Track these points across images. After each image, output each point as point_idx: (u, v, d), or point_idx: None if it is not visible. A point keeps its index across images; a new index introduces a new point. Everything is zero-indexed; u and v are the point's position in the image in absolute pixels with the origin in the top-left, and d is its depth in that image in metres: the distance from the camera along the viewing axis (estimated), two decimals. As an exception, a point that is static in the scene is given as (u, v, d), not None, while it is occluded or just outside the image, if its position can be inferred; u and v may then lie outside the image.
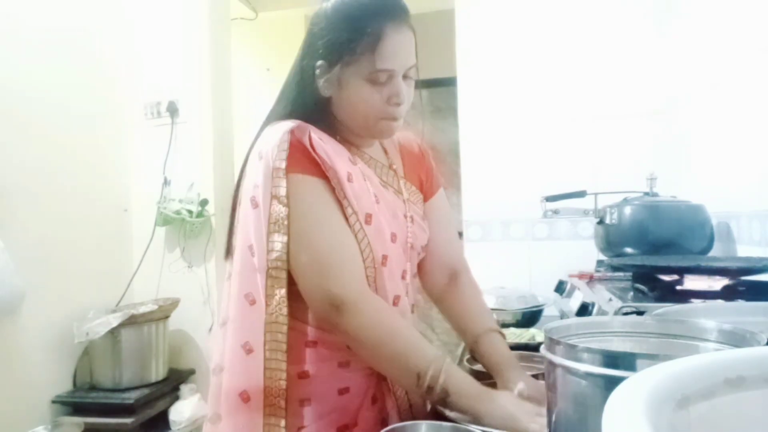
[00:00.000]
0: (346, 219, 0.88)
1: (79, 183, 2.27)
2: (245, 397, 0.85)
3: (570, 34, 2.22)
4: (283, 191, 0.85)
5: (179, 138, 2.50)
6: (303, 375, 0.90)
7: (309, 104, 0.94)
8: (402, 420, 0.94)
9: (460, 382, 0.83)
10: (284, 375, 0.84)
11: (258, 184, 0.87)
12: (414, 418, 0.95)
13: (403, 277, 0.98)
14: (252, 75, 3.47)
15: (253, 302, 0.86)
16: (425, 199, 1.10)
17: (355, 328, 0.84)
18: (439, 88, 3.70)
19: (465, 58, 2.32)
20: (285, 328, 0.85)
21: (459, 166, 2.33)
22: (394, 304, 0.94)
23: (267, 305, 0.85)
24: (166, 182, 2.49)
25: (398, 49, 0.88)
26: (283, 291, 0.85)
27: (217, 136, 2.53)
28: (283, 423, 0.83)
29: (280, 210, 0.85)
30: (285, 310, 0.85)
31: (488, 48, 2.29)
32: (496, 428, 0.79)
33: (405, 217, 1.00)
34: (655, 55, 2.14)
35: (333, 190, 0.88)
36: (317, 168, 0.88)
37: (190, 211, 2.43)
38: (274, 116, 0.96)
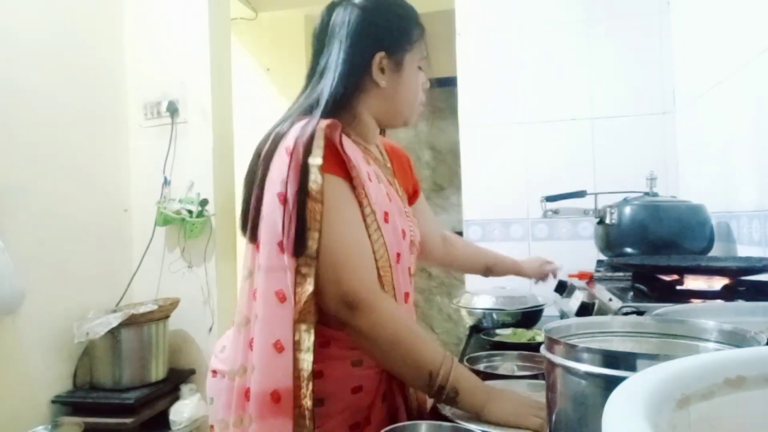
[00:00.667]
0: (364, 219, 0.91)
1: (79, 183, 2.28)
2: (276, 398, 0.84)
3: (570, 33, 2.22)
4: (318, 188, 0.85)
5: (179, 138, 2.50)
6: (317, 374, 0.88)
7: (343, 99, 0.94)
8: (411, 417, 0.95)
9: (468, 380, 0.86)
10: (311, 375, 0.84)
11: (286, 180, 0.86)
12: (422, 415, 0.97)
13: (410, 273, 1.02)
14: (252, 75, 3.47)
15: (283, 299, 0.85)
16: (411, 201, 1.17)
17: (369, 326, 0.85)
18: (439, 88, 3.69)
19: (465, 58, 2.32)
20: (313, 328, 0.85)
21: (459, 166, 2.33)
22: (405, 300, 0.97)
23: (296, 303, 0.85)
24: (166, 182, 2.49)
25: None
26: (312, 288, 0.85)
27: (217, 136, 2.53)
28: (310, 425, 0.83)
29: (314, 207, 0.85)
30: (314, 308, 0.85)
31: (488, 48, 2.29)
32: (501, 424, 0.80)
33: (406, 214, 1.04)
34: (655, 56, 2.14)
35: (354, 190, 0.90)
36: (343, 168, 0.90)
37: (190, 211, 2.43)
38: (294, 114, 0.95)
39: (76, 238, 2.23)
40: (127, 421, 2.03)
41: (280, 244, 0.86)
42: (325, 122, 0.89)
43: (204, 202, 2.45)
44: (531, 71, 2.25)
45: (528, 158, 2.23)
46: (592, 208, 1.72)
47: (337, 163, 0.89)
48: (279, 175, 0.87)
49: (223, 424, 0.91)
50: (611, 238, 1.63)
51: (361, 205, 0.90)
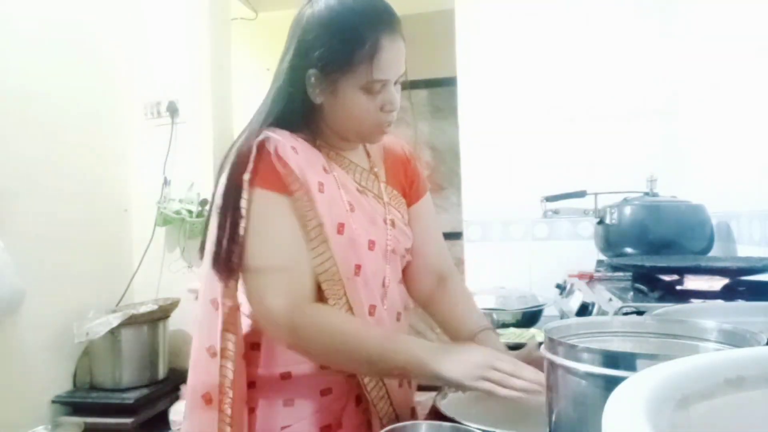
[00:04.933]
0: (308, 232, 0.89)
1: (79, 183, 2.27)
2: (207, 399, 0.88)
3: (570, 33, 2.22)
4: (244, 203, 0.86)
5: (179, 138, 2.50)
6: (285, 376, 0.92)
7: (295, 110, 0.93)
8: (383, 424, 0.92)
9: (412, 351, 0.83)
10: (231, 383, 0.87)
11: (220, 194, 0.89)
12: (398, 417, 0.95)
13: (383, 285, 0.97)
14: (252, 75, 3.46)
15: (217, 308, 0.89)
16: (410, 204, 1.08)
17: (297, 342, 0.86)
18: (439, 88, 3.70)
19: (465, 58, 2.32)
20: (234, 337, 0.89)
21: (459, 166, 2.33)
22: (370, 314, 0.93)
23: (222, 313, 0.88)
24: (166, 182, 2.49)
25: (393, 60, 0.89)
26: (232, 303, 0.89)
27: (217, 136, 2.53)
28: (228, 430, 0.86)
29: (239, 222, 0.87)
30: (238, 320, 0.90)
31: (488, 48, 2.29)
32: (456, 383, 0.80)
33: (385, 221, 0.98)
34: (655, 55, 2.14)
35: (295, 203, 0.88)
36: (280, 182, 0.88)
37: (190, 211, 2.43)
38: (253, 125, 0.94)
39: (76, 238, 2.23)
40: (127, 421, 2.02)
41: (215, 256, 0.89)
42: (265, 134, 0.88)
43: (204, 202, 2.45)
44: (531, 71, 2.25)
45: (528, 158, 2.23)
46: (592, 208, 1.72)
47: (275, 177, 0.88)
48: (219, 190, 0.90)
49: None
50: (611, 238, 1.63)
51: (304, 217, 0.88)
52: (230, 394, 0.87)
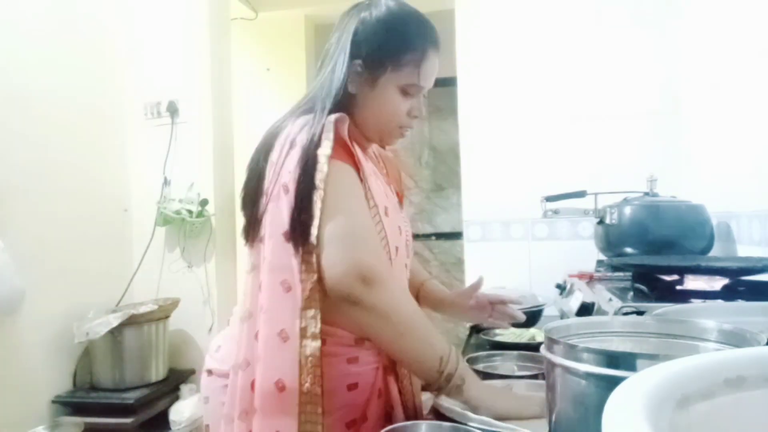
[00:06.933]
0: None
1: (79, 183, 2.27)
2: (281, 387, 0.85)
3: (570, 33, 2.22)
4: (322, 176, 0.86)
5: (179, 138, 2.50)
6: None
7: (338, 97, 0.96)
8: (406, 413, 0.96)
9: (470, 371, 0.89)
10: (318, 361, 0.84)
11: (291, 170, 0.88)
12: (418, 410, 0.98)
13: (406, 267, 1.04)
14: (252, 75, 3.47)
15: (288, 289, 0.87)
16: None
17: (386, 302, 0.84)
18: (439, 88, 3.68)
19: (465, 58, 2.32)
20: (319, 315, 0.85)
21: (459, 166, 2.33)
22: None
23: (302, 291, 0.85)
24: (166, 182, 2.49)
25: (432, 71, 1.00)
26: (315, 277, 0.85)
27: (217, 136, 2.53)
28: (319, 410, 0.84)
29: (319, 196, 0.86)
30: (318, 296, 0.86)
31: (488, 48, 2.29)
32: (503, 415, 0.81)
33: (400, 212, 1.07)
34: (655, 55, 2.14)
35: (362, 182, 0.93)
36: (352, 159, 0.93)
37: (190, 211, 2.43)
38: (299, 111, 0.98)
39: (76, 238, 2.23)
40: (127, 421, 2.02)
41: (286, 234, 0.87)
42: (334, 116, 0.92)
43: (204, 202, 2.45)
44: (531, 71, 2.25)
45: (528, 158, 2.23)
46: (592, 208, 1.72)
47: (347, 153, 0.92)
48: (287, 167, 0.89)
49: (228, 419, 0.92)
50: (611, 238, 1.63)
51: (365, 197, 0.93)
52: (317, 372, 0.84)
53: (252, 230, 0.95)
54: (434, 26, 1.01)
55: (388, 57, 0.95)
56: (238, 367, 0.91)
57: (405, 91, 0.97)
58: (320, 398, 0.84)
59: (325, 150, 0.88)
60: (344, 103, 0.97)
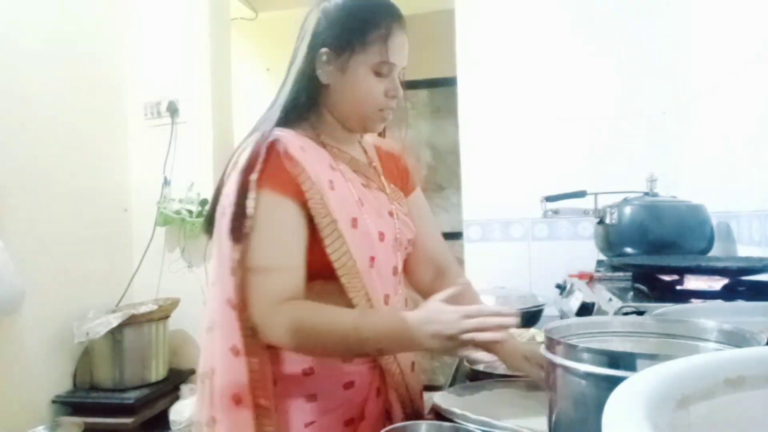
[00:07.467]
0: (321, 230, 0.89)
1: (79, 183, 2.27)
2: (237, 400, 0.87)
3: (570, 33, 2.22)
4: (251, 203, 0.87)
5: (179, 138, 2.50)
6: (308, 372, 0.91)
7: (301, 98, 0.96)
8: (405, 411, 0.96)
9: (383, 331, 0.84)
10: (266, 375, 0.87)
11: (229, 193, 0.90)
12: (416, 408, 0.97)
13: (394, 274, 1.00)
14: (252, 75, 3.47)
15: (234, 307, 0.89)
16: (405, 197, 1.13)
17: (278, 343, 0.87)
18: (439, 88, 3.70)
19: (465, 58, 2.32)
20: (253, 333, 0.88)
21: (459, 166, 2.33)
22: (385, 302, 0.96)
23: (240, 310, 0.88)
24: (166, 182, 2.49)
25: (401, 47, 0.96)
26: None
27: (217, 136, 2.53)
28: (270, 422, 0.86)
29: (246, 223, 0.87)
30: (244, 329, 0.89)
31: (488, 48, 2.29)
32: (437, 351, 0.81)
33: (390, 213, 1.02)
34: (655, 55, 2.14)
35: (304, 204, 0.89)
36: (287, 184, 0.89)
37: (190, 211, 2.43)
38: (266, 122, 0.97)
39: (76, 238, 2.23)
40: (127, 421, 2.02)
41: (224, 255, 0.90)
42: (275, 134, 0.90)
43: (204, 202, 2.45)
44: (531, 71, 2.25)
45: (528, 158, 2.23)
46: (592, 208, 1.72)
47: (283, 179, 0.89)
48: (226, 190, 0.92)
49: (198, 426, 0.94)
50: (611, 238, 1.63)
51: (317, 215, 0.89)
52: (264, 387, 0.87)
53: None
54: (395, 5, 0.98)
55: (353, 38, 0.93)
56: (205, 375, 0.93)
57: (377, 72, 0.94)
58: (273, 413, 0.86)
59: (254, 176, 0.87)
60: (318, 96, 0.97)
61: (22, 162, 2.01)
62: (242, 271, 0.88)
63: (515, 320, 0.80)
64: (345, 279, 0.90)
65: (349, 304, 0.90)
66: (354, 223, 0.92)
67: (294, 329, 0.85)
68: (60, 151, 2.19)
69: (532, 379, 0.97)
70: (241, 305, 0.88)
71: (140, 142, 2.55)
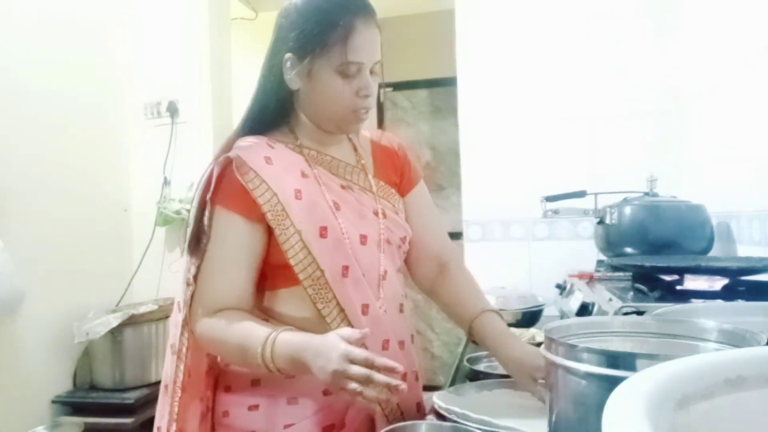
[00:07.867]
0: (283, 243, 0.90)
1: (79, 183, 2.27)
2: (166, 388, 0.98)
3: (570, 33, 2.22)
4: (206, 220, 0.93)
5: (179, 138, 2.50)
6: (289, 374, 0.90)
7: (271, 104, 0.97)
8: (389, 422, 0.93)
9: (285, 356, 0.83)
10: (180, 381, 0.96)
11: (192, 208, 0.96)
12: (404, 418, 0.95)
13: (381, 277, 0.97)
14: (252, 75, 3.46)
15: (179, 309, 1.02)
16: (404, 193, 1.09)
17: (202, 345, 0.96)
18: (439, 88, 3.70)
19: (465, 58, 2.32)
20: (190, 339, 0.98)
21: (459, 166, 2.33)
22: (363, 313, 0.93)
23: (185, 315, 0.98)
24: (166, 182, 2.49)
25: (367, 43, 0.91)
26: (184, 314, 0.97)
27: (217, 136, 2.52)
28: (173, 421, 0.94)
29: (201, 237, 0.94)
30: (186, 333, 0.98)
31: (488, 48, 2.29)
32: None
33: (376, 213, 0.99)
34: (655, 55, 2.14)
35: (262, 217, 0.90)
36: (238, 201, 0.91)
37: (189, 212, 2.43)
38: (237, 132, 1.00)
39: (76, 238, 2.23)
40: (127, 421, 2.02)
41: (184, 267, 0.98)
42: (235, 149, 0.93)
43: (204, 202, 2.45)
44: (531, 71, 2.25)
45: (528, 158, 2.23)
46: (592, 208, 1.72)
47: (234, 194, 0.91)
48: (193, 204, 0.97)
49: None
50: (611, 238, 1.63)
51: (277, 227, 0.90)
52: (179, 393, 0.94)
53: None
54: None
55: (312, 41, 0.90)
56: (165, 388, 0.99)
57: (343, 73, 0.90)
58: (180, 415, 0.95)
59: (209, 195, 0.92)
60: (290, 100, 0.97)
61: (22, 162, 2.01)
62: (195, 283, 0.95)
63: (404, 385, 0.75)
64: (312, 290, 0.91)
65: (319, 314, 0.91)
66: (323, 232, 0.91)
67: (208, 338, 0.92)
68: (60, 151, 2.19)
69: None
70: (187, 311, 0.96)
71: (140, 142, 2.55)
